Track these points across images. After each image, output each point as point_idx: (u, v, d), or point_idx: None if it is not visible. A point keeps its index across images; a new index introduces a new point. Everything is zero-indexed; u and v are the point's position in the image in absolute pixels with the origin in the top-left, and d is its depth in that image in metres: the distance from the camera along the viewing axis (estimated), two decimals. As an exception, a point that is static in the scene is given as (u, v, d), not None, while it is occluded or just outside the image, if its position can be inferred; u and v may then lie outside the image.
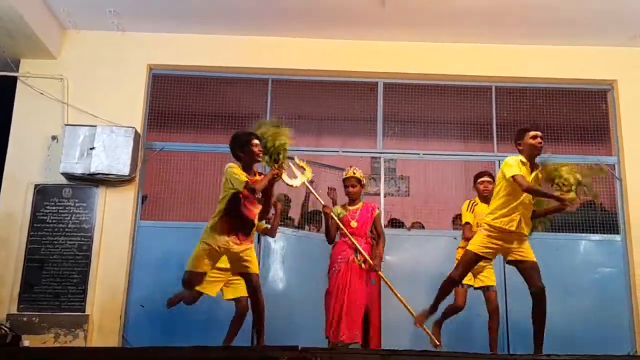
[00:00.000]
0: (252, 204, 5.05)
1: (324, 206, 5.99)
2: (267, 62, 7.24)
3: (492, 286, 5.79)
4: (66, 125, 6.76)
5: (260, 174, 5.17)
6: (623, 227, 6.91)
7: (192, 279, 5.09)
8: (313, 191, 6.02)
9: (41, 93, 6.92)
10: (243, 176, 4.90)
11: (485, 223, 5.00)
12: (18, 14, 6.20)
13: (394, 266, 6.58)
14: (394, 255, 6.73)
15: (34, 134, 6.86)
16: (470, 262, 5.05)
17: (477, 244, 4.97)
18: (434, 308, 5.13)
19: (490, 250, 4.96)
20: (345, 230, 5.84)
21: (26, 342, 5.90)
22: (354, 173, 6.03)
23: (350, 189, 6.02)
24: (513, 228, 4.86)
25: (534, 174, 4.94)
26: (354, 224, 5.89)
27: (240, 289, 5.61)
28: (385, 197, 7.18)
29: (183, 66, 7.27)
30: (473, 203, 6.04)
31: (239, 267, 5.08)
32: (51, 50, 6.94)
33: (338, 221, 5.89)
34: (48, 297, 6.46)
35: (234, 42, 7.25)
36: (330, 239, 6.04)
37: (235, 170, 4.94)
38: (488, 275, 5.79)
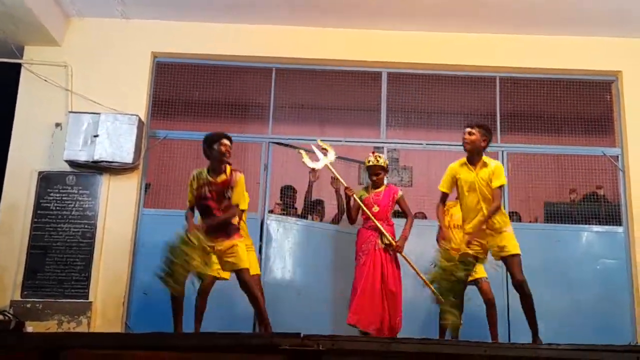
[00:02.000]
0: (218, 203, 5.11)
1: (346, 188, 6.02)
2: (271, 50, 7.24)
3: (483, 277, 5.78)
4: (70, 112, 6.76)
5: (234, 171, 5.17)
6: (625, 219, 6.91)
7: None
8: (335, 173, 6.09)
9: (45, 80, 6.93)
10: (191, 196, 5.16)
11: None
12: (22, 1, 6.20)
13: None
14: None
15: (37, 121, 6.87)
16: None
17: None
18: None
19: (477, 248, 5.03)
20: (368, 212, 5.87)
21: (30, 328, 5.90)
22: (378, 161, 6.07)
23: (375, 178, 6.08)
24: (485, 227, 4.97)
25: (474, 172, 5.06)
26: (375, 208, 5.94)
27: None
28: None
29: (187, 54, 7.27)
30: (451, 205, 6.05)
31: (227, 265, 5.11)
32: (55, 38, 6.94)
33: (360, 203, 5.91)
34: (51, 284, 6.50)
35: (238, 30, 7.24)
36: (351, 221, 6.16)
37: (191, 181, 5.17)
38: (476, 269, 5.76)
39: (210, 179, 5.09)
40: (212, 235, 4.98)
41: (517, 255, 4.98)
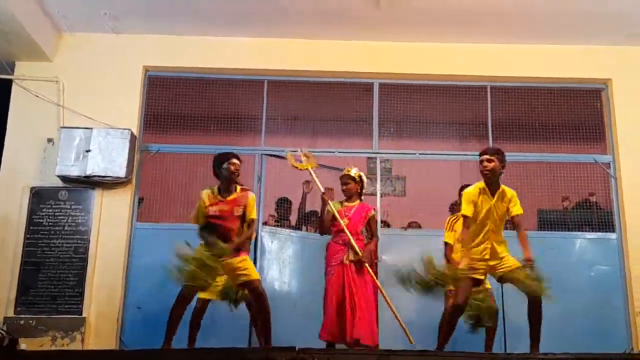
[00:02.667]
0: (228, 221, 5.21)
1: (323, 193, 6.04)
2: (262, 63, 7.25)
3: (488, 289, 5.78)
4: (62, 127, 6.75)
5: (244, 189, 5.36)
6: (618, 225, 6.93)
7: None
8: (315, 179, 6.11)
9: (37, 96, 6.91)
10: (202, 214, 5.25)
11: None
12: (13, 17, 6.20)
13: (391, 266, 6.58)
14: (391, 255, 6.75)
15: (29, 136, 6.84)
16: (468, 287, 4.95)
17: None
18: (442, 345, 4.87)
19: (481, 270, 4.98)
20: (340, 219, 5.86)
21: (23, 345, 5.87)
22: (348, 171, 6.13)
23: (344, 187, 6.10)
24: (487, 256, 4.92)
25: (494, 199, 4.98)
26: (345, 221, 5.90)
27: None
28: (381, 197, 7.20)
29: (179, 68, 7.27)
30: (453, 220, 6.05)
31: (237, 277, 5.16)
32: (46, 53, 6.93)
33: (334, 210, 5.91)
34: (45, 299, 6.46)
35: (230, 43, 7.25)
36: (322, 230, 6.18)
37: (200, 202, 5.26)
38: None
39: (221, 198, 5.22)
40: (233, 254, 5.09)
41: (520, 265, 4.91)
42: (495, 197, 4.98)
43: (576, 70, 7.26)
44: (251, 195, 5.35)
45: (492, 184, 5.01)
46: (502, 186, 5.05)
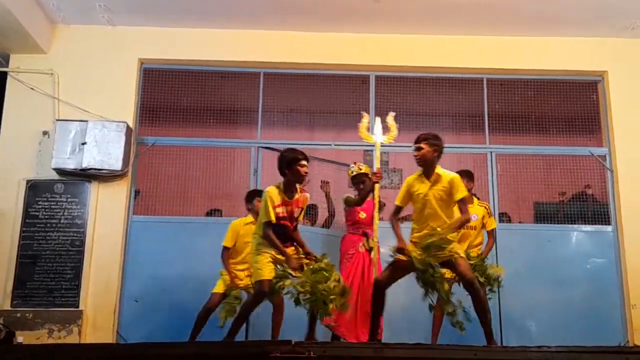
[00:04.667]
0: (290, 222, 5.13)
1: (374, 174, 5.80)
2: (258, 55, 7.23)
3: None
4: (57, 120, 6.73)
5: (302, 190, 5.23)
6: (614, 218, 6.94)
7: None
8: (377, 158, 5.84)
9: (32, 88, 6.89)
10: (272, 212, 4.97)
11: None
12: (7, 9, 6.17)
13: (389, 259, 6.59)
14: (389, 247, 6.75)
15: (24, 129, 6.82)
16: (392, 267, 4.98)
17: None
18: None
19: (415, 253, 4.89)
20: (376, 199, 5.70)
21: (20, 338, 5.89)
22: (360, 169, 6.13)
23: (361, 186, 6.07)
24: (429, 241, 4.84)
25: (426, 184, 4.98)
26: (362, 214, 5.93)
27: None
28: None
29: (174, 60, 7.24)
30: None
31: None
32: (41, 45, 6.90)
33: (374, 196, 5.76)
34: (41, 293, 6.46)
35: (225, 35, 7.22)
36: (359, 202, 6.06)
37: (267, 201, 5.00)
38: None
39: (286, 198, 5.08)
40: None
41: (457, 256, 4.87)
42: (431, 182, 4.96)
43: (572, 63, 7.26)
44: (308, 196, 5.28)
45: (426, 169, 5.01)
46: (439, 171, 5.01)
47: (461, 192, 4.91)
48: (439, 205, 4.91)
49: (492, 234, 6.07)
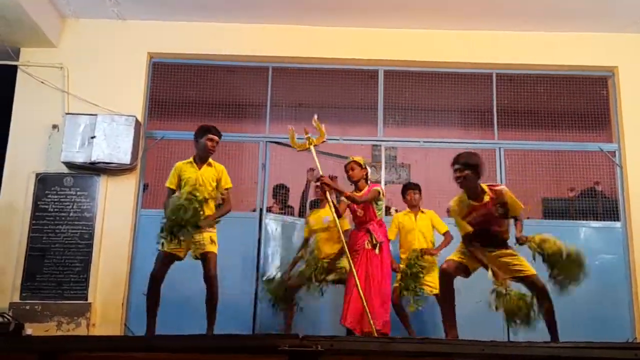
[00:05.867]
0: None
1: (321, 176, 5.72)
2: (267, 49, 7.24)
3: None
4: (67, 114, 6.76)
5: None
6: (623, 214, 6.92)
7: None
8: (316, 159, 5.71)
9: (42, 82, 6.93)
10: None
11: None
12: (17, 3, 6.21)
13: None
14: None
15: (34, 123, 6.86)
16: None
17: None
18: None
19: None
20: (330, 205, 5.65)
21: (29, 330, 5.92)
22: (352, 158, 6.03)
23: (350, 172, 5.96)
24: None
25: None
26: (360, 212, 5.88)
27: None
28: (385, 184, 7.21)
29: (183, 54, 7.26)
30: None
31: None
32: (51, 39, 6.93)
33: (331, 201, 5.67)
34: (50, 285, 6.51)
35: (235, 29, 7.23)
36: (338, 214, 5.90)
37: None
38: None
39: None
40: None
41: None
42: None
43: (582, 58, 7.23)
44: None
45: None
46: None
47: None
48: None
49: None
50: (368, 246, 5.82)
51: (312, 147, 5.69)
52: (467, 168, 4.82)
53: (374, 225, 5.84)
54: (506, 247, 4.99)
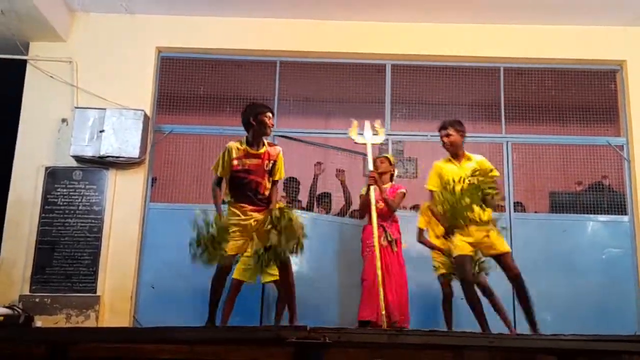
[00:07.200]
0: (258, 175, 5.01)
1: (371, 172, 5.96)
2: (275, 44, 7.25)
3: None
4: (76, 108, 6.80)
5: (270, 145, 5.11)
6: (631, 208, 6.91)
7: None
8: (370, 156, 5.96)
9: (51, 76, 6.96)
10: (227, 166, 4.94)
11: None
12: (27, -3, 6.23)
13: (404, 248, 6.61)
14: (404, 236, 6.76)
15: (44, 117, 6.90)
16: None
17: None
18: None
19: None
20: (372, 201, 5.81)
21: (38, 322, 5.97)
22: (385, 155, 6.34)
23: (379, 164, 6.16)
24: None
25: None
26: (380, 204, 5.93)
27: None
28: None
29: (191, 49, 7.28)
30: None
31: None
32: (60, 33, 6.96)
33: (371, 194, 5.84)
34: (60, 278, 6.55)
35: (242, 24, 7.24)
36: (362, 213, 6.31)
37: (225, 153, 4.95)
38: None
39: (251, 150, 4.98)
40: None
41: None
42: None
43: (590, 52, 7.20)
44: (281, 150, 5.15)
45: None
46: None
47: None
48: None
49: None
50: (384, 243, 5.87)
51: (369, 144, 5.96)
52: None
53: (389, 221, 5.91)
54: None
